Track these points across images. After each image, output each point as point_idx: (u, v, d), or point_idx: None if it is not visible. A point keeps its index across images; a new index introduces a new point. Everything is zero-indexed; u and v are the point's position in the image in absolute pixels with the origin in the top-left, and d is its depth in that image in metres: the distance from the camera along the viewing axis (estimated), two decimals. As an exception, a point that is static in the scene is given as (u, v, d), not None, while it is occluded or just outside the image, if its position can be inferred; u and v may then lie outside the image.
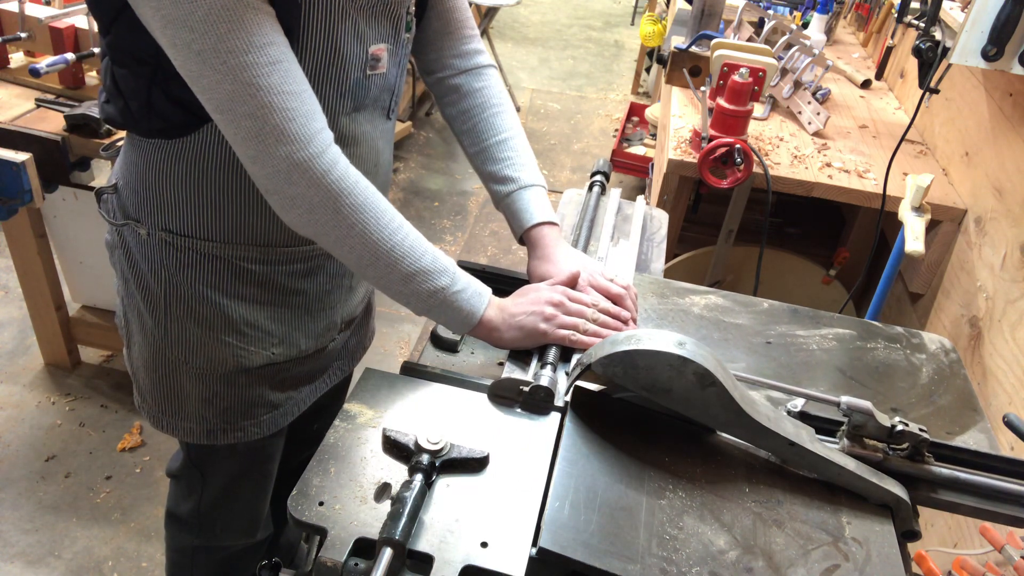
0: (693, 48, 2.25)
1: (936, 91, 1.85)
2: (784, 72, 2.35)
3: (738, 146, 1.90)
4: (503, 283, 1.21)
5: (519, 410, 1.01)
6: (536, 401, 1.01)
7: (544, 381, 1.01)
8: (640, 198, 1.56)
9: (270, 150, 0.93)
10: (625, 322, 1.13)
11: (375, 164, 1.19)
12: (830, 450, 0.92)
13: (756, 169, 1.97)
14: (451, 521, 0.85)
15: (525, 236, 1.22)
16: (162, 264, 1.14)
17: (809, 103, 2.29)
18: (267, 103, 0.91)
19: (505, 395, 1.02)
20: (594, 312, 1.11)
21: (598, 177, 1.52)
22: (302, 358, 1.27)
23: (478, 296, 1.06)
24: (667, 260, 2.30)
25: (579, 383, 1.01)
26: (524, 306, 1.08)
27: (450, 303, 1.04)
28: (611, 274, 1.19)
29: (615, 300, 1.15)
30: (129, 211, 1.15)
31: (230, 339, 1.18)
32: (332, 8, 0.98)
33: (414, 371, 1.07)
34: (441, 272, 1.03)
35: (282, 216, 0.99)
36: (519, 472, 0.92)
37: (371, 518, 0.84)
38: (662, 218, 1.55)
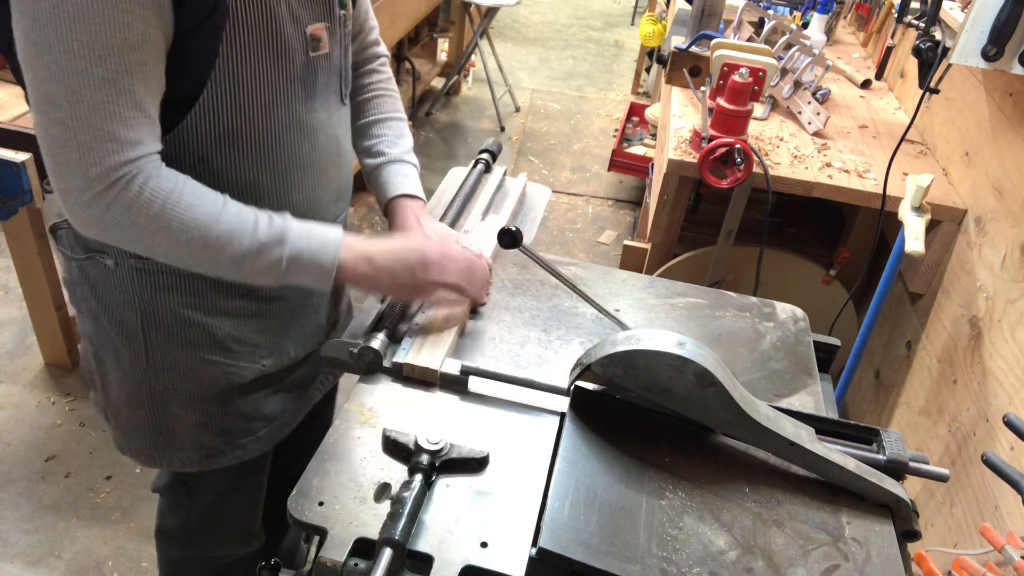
0: (693, 48, 2.25)
1: (936, 91, 1.85)
2: (784, 72, 2.35)
3: (738, 146, 1.90)
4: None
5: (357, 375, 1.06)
6: (365, 363, 1.04)
7: (375, 344, 1.04)
8: (523, 175, 1.58)
9: (72, 166, 0.87)
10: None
11: (337, 154, 1.17)
12: (830, 450, 0.92)
13: (756, 169, 1.97)
14: (451, 521, 0.85)
15: (388, 207, 1.25)
16: (135, 292, 1.09)
17: (809, 103, 2.29)
18: (83, 117, 0.85)
19: (335, 356, 1.05)
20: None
21: (483, 155, 1.53)
22: (293, 366, 1.26)
23: (322, 246, 1.01)
24: (667, 260, 2.31)
25: (579, 383, 1.01)
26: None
27: (292, 270, 0.99)
28: (469, 244, 1.21)
29: None
30: (90, 243, 1.08)
31: (218, 357, 1.15)
32: None
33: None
34: (272, 245, 0.97)
35: (80, 231, 0.95)
36: (519, 472, 0.92)
37: (371, 518, 0.84)
38: (543, 195, 1.58)
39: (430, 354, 1.06)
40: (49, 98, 0.86)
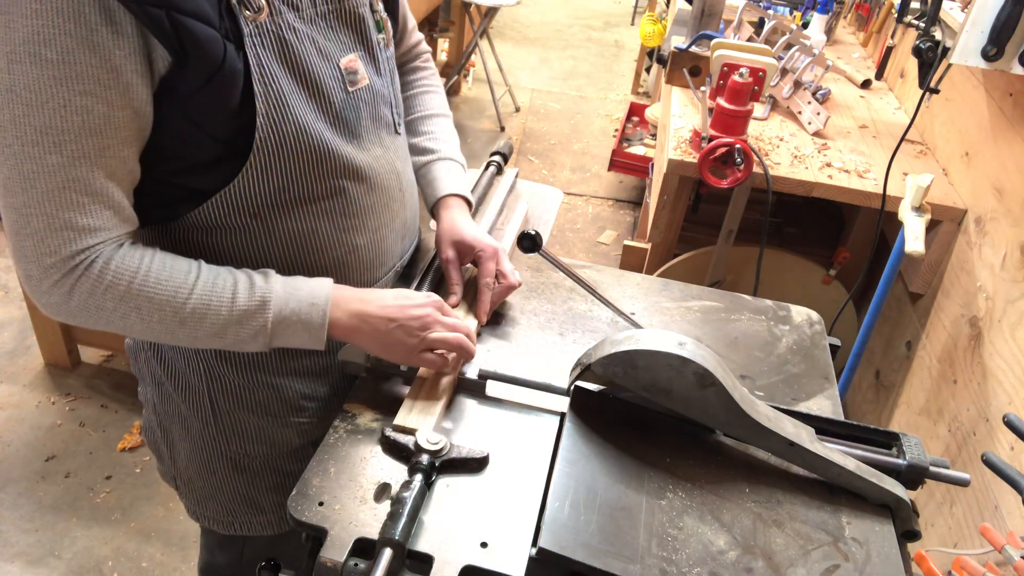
0: (693, 48, 2.25)
1: (936, 91, 1.85)
2: (784, 72, 2.35)
3: (738, 146, 1.89)
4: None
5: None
6: (381, 368, 1.03)
7: None
8: (527, 184, 1.58)
9: (27, 253, 0.84)
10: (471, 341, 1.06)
11: (399, 189, 1.11)
12: (830, 450, 0.92)
13: (756, 169, 1.97)
14: (451, 521, 0.85)
15: (440, 203, 1.21)
16: (199, 357, 1.06)
17: (809, 103, 2.29)
18: (37, 204, 0.82)
19: (352, 361, 1.04)
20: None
21: (495, 157, 1.51)
22: None
23: (310, 307, 0.94)
24: (667, 260, 2.31)
25: (579, 383, 1.01)
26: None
27: (279, 334, 0.94)
28: (508, 266, 1.18)
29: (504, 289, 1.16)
30: None
31: (292, 418, 1.11)
32: (281, 35, 0.89)
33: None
34: (253, 312, 0.92)
35: (51, 317, 0.91)
36: (519, 472, 0.92)
37: (371, 518, 0.84)
38: (555, 197, 1.57)
39: (420, 417, 0.97)
40: (5, 183, 0.82)
